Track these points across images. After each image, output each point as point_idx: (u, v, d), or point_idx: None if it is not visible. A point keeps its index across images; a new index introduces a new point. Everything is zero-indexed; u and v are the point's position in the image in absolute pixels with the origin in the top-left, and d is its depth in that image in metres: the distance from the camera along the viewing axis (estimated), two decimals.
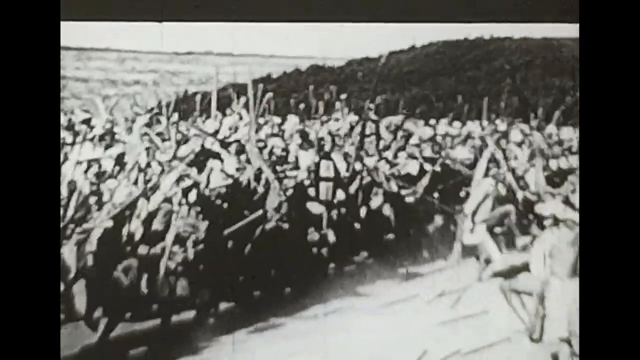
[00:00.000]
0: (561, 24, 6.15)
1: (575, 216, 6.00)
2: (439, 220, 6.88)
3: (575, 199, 6.06)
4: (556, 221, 6.05)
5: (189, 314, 6.33)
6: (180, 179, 6.41)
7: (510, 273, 6.60)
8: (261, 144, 6.89)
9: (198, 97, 7.03)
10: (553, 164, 6.91)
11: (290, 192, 6.64)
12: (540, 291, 5.95)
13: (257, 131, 6.82)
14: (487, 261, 6.72)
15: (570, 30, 6.55)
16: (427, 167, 7.00)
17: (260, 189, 6.59)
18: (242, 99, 6.92)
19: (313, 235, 6.67)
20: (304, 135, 6.99)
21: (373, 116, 6.93)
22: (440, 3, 6.12)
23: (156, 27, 6.24)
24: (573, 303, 5.82)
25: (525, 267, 6.20)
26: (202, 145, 6.74)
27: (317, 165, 6.78)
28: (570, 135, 7.02)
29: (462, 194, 6.86)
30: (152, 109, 7.01)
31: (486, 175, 6.83)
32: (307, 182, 6.77)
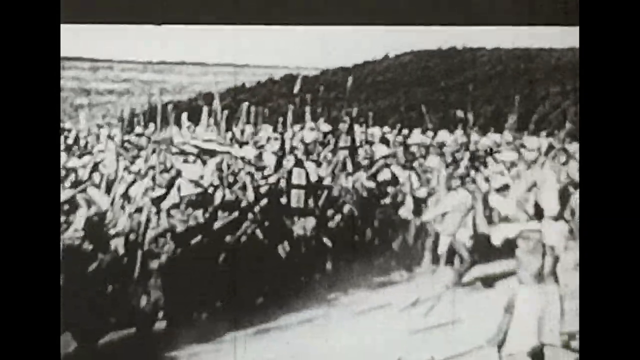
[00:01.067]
0: (554, 28, 6.19)
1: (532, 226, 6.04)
2: (410, 229, 6.90)
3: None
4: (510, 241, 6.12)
5: (161, 324, 6.33)
6: (151, 188, 6.41)
7: (487, 281, 6.66)
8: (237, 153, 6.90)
9: (171, 107, 7.01)
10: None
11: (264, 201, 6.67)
12: (510, 300, 5.97)
13: (232, 140, 6.85)
14: (460, 270, 6.78)
15: (544, 40, 6.63)
16: (401, 175, 7.03)
17: (233, 198, 6.63)
18: (215, 108, 6.90)
19: (285, 245, 6.68)
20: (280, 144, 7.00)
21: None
22: (431, 7, 6.15)
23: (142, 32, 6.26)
24: (541, 311, 5.87)
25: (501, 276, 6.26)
26: (174, 154, 6.75)
27: (290, 173, 6.81)
28: (539, 144, 7.08)
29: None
30: (125, 118, 6.99)
31: (455, 187, 6.88)
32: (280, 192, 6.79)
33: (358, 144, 7.08)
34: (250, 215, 6.58)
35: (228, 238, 6.47)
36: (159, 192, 6.42)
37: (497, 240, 6.01)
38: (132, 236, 6.29)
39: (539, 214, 5.95)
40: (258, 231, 6.59)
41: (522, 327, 5.83)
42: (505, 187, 6.78)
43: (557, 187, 6.17)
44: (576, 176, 6.68)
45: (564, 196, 6.24)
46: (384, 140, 7.13)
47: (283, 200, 6.76)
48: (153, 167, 6.59)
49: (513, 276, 5.96)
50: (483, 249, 6.69)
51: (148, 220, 6.30)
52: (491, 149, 7.15)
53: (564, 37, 6.26)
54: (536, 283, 5.85)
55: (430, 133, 7.18)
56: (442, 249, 6.83)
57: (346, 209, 6.83)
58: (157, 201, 6.38)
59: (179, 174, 6.55)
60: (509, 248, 5.97)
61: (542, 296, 5.83)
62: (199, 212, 6.48)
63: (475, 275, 6.76)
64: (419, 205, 6.94)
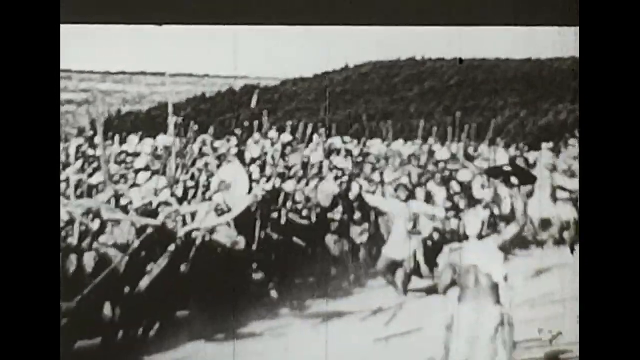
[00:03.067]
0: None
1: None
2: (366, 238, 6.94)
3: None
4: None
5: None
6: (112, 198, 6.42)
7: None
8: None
9: (131, 117, 7.00)
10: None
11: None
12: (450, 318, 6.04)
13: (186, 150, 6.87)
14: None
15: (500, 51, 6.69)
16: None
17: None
18: (176, 119, 6.90)
19: (251, 253, 6.67)
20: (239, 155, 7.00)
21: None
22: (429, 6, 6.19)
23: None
24: (475, 331, 5.94)
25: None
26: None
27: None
28: (492, 155, 7.16)
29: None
30: (85, 128, 6.95)
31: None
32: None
33: (319, 153, 7.11)
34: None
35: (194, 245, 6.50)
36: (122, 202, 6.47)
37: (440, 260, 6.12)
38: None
39: (465, 233, 6.06)
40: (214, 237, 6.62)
41: (459, 345, 5.92)
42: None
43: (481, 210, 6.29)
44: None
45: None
46: (344, 151, 7.15)
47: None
48: (112, 177, 6.62)
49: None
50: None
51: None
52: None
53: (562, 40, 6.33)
54: (473, 301, 5.92)
55: (389, 143, 7.22)
56: (382, 263, 6.86)
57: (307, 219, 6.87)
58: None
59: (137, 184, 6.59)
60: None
61: (477, 315, 5.90)
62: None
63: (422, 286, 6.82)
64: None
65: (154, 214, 6.47)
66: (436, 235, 6.80)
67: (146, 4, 6.17)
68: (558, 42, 6.42)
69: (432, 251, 6.70)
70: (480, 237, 6.02)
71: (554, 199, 7.01)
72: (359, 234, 6.85)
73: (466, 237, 6.04)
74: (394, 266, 6.78)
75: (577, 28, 6.01)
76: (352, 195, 6.90)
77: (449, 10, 6.24)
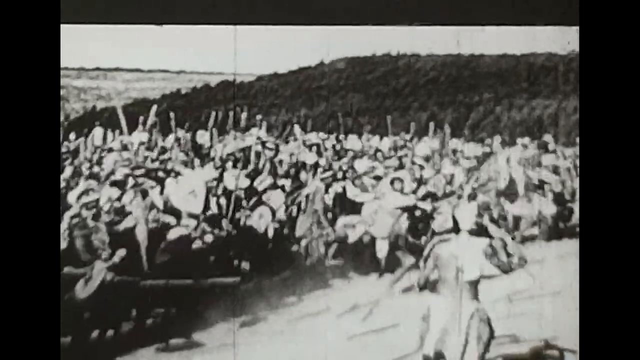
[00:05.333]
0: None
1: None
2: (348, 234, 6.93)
3: None
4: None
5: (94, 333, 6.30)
6: (84, 193, 6.41)
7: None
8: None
9: (106, 114, 7.00)
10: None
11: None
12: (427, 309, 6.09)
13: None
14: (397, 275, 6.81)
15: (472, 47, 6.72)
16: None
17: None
18: (149, 115, 6.92)
19: (229, 250, 6.67)
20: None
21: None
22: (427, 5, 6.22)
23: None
24: (446, 323, 5.99)
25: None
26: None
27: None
28: (474, 151, 7.17)
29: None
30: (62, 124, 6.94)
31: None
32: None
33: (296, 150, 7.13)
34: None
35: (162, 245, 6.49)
36: (92, 197, 6.44)
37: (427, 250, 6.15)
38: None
39: (456, 226, 6.09)
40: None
41: (432, 336, 5.97)
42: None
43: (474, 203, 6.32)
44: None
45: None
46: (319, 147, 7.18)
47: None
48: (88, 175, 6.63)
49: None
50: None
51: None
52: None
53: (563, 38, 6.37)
54: (450, 294, 5.97)
55: (365, 138, 7.24)
56: (382, 253, 6.85)
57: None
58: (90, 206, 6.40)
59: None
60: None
61: (450, 307, 5.95)
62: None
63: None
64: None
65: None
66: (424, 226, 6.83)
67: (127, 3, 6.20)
68: (542, 39, 6.49)
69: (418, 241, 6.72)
70: (472, 232, 6.06)
71: (528, 195, 7.05)
72: (345, 229, 6.87)
73: (457, 231, 6.08)
74: (393, 262, 6.80)
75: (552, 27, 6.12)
76: (337, 191, 6.94)
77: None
